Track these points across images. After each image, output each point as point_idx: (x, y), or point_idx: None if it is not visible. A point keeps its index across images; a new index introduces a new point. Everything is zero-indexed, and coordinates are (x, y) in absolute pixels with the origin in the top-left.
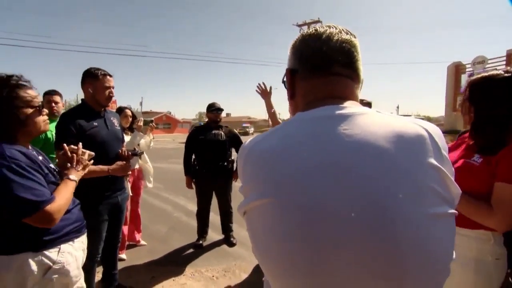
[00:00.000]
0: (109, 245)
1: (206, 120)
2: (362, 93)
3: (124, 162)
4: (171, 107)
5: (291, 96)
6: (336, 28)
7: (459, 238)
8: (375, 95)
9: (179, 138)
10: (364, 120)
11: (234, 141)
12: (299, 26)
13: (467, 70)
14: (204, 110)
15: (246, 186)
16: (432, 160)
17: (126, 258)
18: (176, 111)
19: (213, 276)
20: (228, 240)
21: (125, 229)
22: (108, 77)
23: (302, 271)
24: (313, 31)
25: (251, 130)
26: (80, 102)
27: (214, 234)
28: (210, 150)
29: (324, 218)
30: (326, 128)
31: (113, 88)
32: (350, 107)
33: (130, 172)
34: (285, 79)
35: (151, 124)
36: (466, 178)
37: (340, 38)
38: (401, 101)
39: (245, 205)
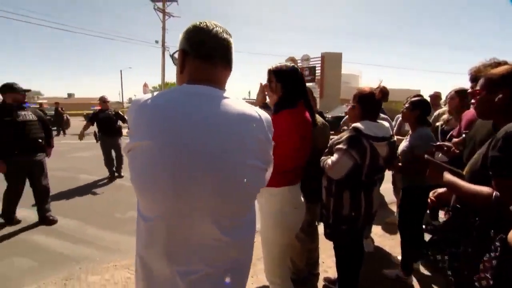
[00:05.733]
0: None
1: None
2: None
3: None
4: None
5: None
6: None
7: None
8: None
9: None
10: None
11: (42, 122)
12: (154, 1)
13: (298, 63)
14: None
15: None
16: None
17: None
18: None
19: None
20: (45, 218)
21: None
22: None
23: (167, 193)
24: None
25: None
26: None
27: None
28: (23, 130)
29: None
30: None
31: None
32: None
33: None
34: None
35: None
36: None
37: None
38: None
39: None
